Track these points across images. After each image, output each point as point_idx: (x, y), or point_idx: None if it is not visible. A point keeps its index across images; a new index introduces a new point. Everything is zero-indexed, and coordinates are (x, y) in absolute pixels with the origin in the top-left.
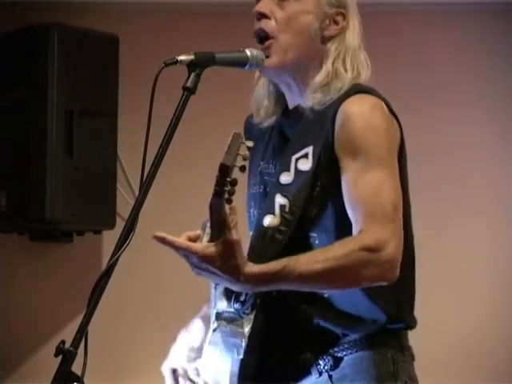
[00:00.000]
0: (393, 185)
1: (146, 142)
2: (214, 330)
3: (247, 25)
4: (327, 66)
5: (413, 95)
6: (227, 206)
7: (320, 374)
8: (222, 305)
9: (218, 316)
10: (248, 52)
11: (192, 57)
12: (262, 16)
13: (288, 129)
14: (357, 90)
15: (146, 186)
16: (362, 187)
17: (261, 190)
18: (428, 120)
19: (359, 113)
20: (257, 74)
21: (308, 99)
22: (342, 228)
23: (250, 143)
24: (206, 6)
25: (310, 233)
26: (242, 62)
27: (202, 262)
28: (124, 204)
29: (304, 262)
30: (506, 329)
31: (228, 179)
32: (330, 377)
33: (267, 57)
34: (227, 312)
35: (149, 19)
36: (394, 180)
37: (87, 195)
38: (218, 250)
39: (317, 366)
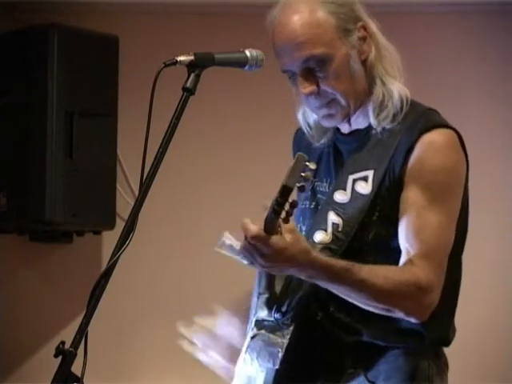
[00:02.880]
0: (450, 231)
1: (145, 141)
2: (253, 338)
3: (247, 25)
4: (377, 85)
5: (412, 95)
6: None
7: (355, 370)
8: (263, 313)
9: (258, 324)
10: (247, 52)
11: (192, 57)
12: (313, 95)
13: (345, 146)
14: (434, 123)
15: (145, 186)
16: (423, 224)
17: (312, 207)
18: None
19: (436, 149)
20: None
21: (374, 123)
22: (396, 252)
23: (313, 165)
24: (206, 7)
25: (366, 257)
26: (241, 63)
27: (277, 254)
28: (124, 204)
29: (367, 271)
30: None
31: (289, 201)
32: (366, 374)
33: (331, 115)
34: (267, 321)
35: (149, 19)
36: (452, 225)
37: (87, 195)
38: (288, 238)
39: (353, 363)
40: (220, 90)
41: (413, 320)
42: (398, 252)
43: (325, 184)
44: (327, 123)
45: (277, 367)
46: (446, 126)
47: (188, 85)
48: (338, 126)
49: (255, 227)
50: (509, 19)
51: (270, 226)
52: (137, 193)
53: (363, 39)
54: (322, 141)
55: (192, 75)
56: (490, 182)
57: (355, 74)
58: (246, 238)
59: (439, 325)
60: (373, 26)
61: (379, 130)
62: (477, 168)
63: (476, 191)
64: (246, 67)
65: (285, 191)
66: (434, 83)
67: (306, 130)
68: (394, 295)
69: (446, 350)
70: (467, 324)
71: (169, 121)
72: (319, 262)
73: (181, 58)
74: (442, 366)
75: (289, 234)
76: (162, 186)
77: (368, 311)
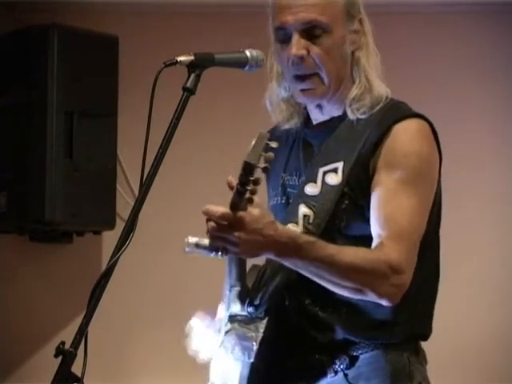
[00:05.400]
0: (422, 215)
1: (145, 141)
2: (227, 333)
3: (247, 25)
4: (361, 77)
5: (412, 94)
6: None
7: (335, 373)
8: (236, 308)
9: (231, 319)
10: (248, 53)
11: (192, 57)
12: (300, 59)
13: (314, 140)
14: (407, 113)
15: (145, 186)
16: (395, 206)
17: (283, 202)
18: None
19: (409, 137)
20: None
21: (348, 112)
22: (370, 239)
23: (275, 144)
24: (206, 7)
25: (338, 243)
26: (241, 63)
27: (246, 229)
28: (124, 204)
29: (335, 247)
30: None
31: (251, 178)
32: (346, 375)
33: (310, 89)
34: (240, 315)
35: (149, 19)
36: (424, 211)
37: (87, 196)
38: (255, 212)
39: (332, 365)
40: (218, 89)
41: (384, 303)
42: (371, 240)
43: (294, 177)
44: (304, 98)
45: (252, 360)
46: (419, 115)
47: (188, 85)
48: (311, 111)
49: (220, 207)
50: (510, 19)
51: (236, 207)
52: (137, 193)
53: (357, 32)
54: (286, 126)
55: (192, 75)
56: (492, 181)
57: (344, 57)
58: (211, 222)
59: (415, 318)
60: (367, 25)
61: (352, 119)
62: (479, 165)
63: (478, 192)
64: (246, 67)
65: (246, 168)
66: (432, 81)
67: (271, 114)
68: (364, 273)
69: (449, 349)
70: (478, 324)
71: (169, 121)
72: (286, 234)
73: (181, 58)
74: (421, 361)
75: (255, 209)
76: (162, 186)
77: (342, 305)
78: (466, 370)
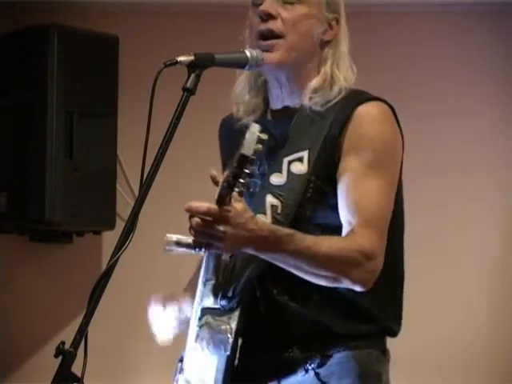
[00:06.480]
0: (390, 198)
1: (145, 142)
2: (201, 327)
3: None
4: (326, 70)
5: (412, 93)
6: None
7: (306, 371)
8: (209, 301)
9: (204, 312)
10: (248, 53)
11: (192, 58)
12: (269, 16)
13: (274, 128)
14: (368, 97)
15: (145, 186)
16: (363, 192)
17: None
18: (426, 117)
19: (372, 120)
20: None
21: (305, 100)
22: (338, 225)
23: (265, 136)
24: (206, 7)
25: (306, 232)
26: (241, 63)
27: (230, 224)
28: (124, 204)
29: (311, 238)
30: (499, 329)
31: (246, 171)
32: (317, 374)
33: (267, 51)
34: (213, 308)
35: (149, 19)
36: (391, 193)
37: (87, 196)
38: (238, 206)
39: (303, 363)
40: (218, 88)
41: (358, 288)
42: (339, 228)
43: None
44: (267, 61)
45: (228, 353)
46: (379, 99)
47: (188, 85)
48: (272, 95)
49: (204, 203)
50: (510, 19)
51: (223, 200)
52: (137, 193)
53: (331, 28)
54: (247, 119)
55: (192, 75)
56: (491, 180)
57: (310, 36)
58: (195, 218)
59: (382, 305)
60: (344, 31)
61: (306, 107)
62: (476, 165)
63: (476, 191)
64: (246, 67)
65: (242, 161)
66: (434, 82)
67: (234, 105)
68: (340, 262)
69: (449, 350)
70: (457, 324)
71: (169, 121)
72: (266, 228)
73: (181, 59)
74: (386, 362)
75: (239, 203)
76: (162, 186)
77: (311, 294)
78: (468, 372)
